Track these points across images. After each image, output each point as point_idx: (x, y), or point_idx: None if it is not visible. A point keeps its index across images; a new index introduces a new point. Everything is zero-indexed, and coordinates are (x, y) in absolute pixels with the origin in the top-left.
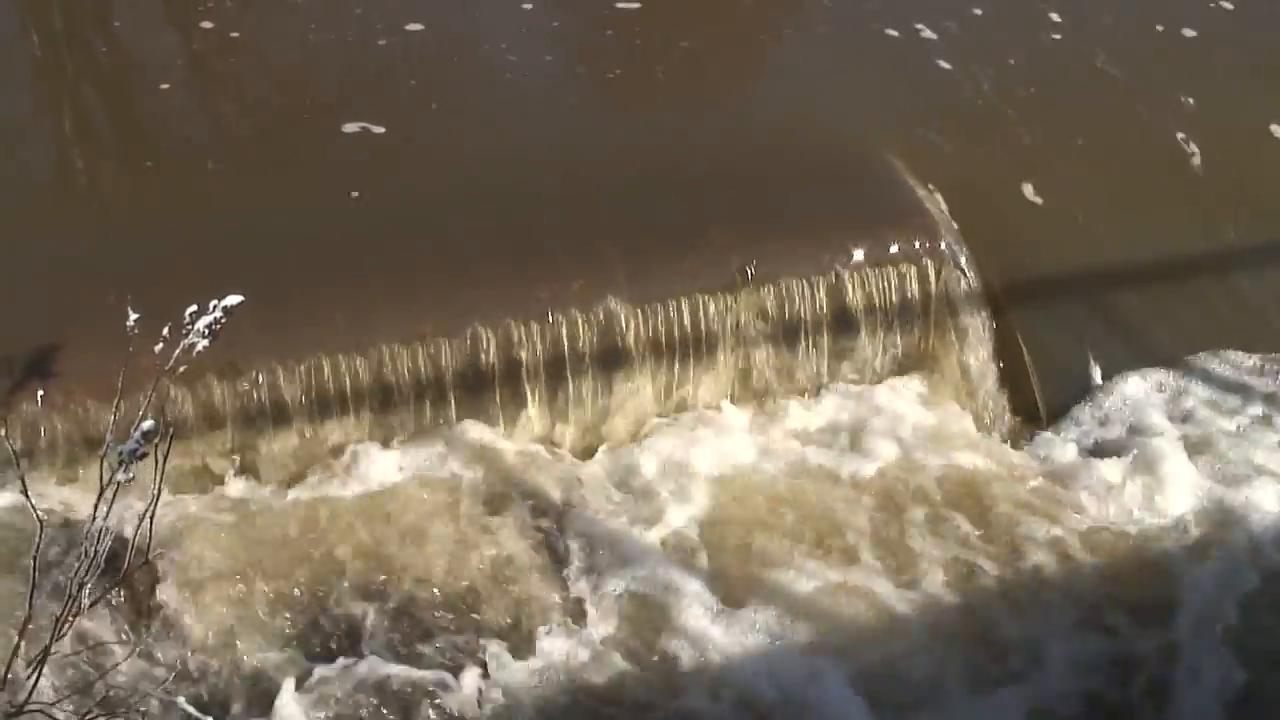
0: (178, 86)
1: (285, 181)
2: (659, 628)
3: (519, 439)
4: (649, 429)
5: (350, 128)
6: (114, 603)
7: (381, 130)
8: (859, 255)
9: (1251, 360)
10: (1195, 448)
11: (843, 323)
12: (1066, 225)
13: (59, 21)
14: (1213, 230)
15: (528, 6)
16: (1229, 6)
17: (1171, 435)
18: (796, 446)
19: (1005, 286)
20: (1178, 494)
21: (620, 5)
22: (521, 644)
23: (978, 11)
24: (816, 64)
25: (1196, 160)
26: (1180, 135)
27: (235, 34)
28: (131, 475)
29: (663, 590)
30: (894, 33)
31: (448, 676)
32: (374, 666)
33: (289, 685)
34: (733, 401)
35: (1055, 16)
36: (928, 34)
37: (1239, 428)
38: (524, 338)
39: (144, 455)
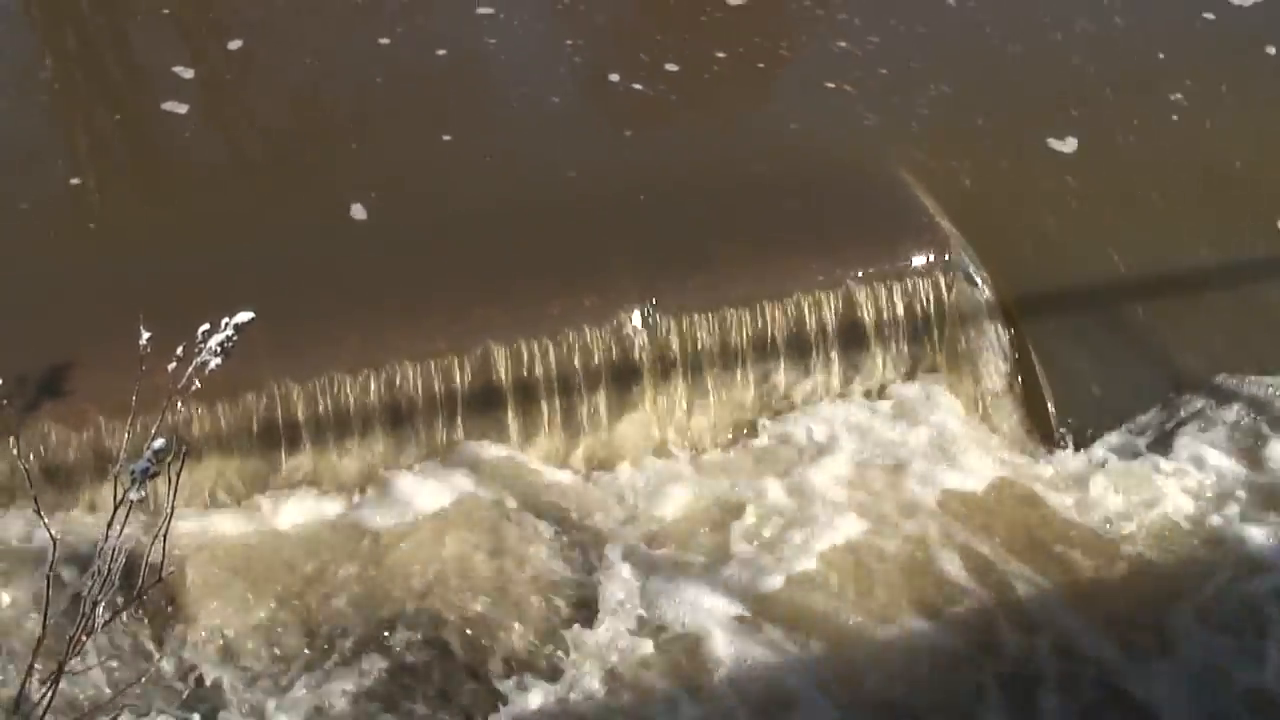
0: (191, 107)
1: (298, 200)
2: (680, 642)
3: (531, 456)
4: (663, 445)
5: (364, 147)
6: (128, 621)
7: (395, 149)
8: (870, 269)
9: (1271, 380)
10: (1207, 468)
11: (854, 337)
12: (1081, 238)
13: (73, 41)
14: (1236, 244)
15: (538, 26)
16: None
17: (1184, 455)
18: (807, 458)
19: (1019, 300)
20: (1184, 513)
21: (632, 24)
22: (538, 664)
23: (990, 27)
24: (828, 79)
25: (1220, 172)
26: (1203, 146)
27: (250, 55)
28: (143, 494)
29: (679, 604)
30: (905, 47)
31: (462, 696)
32: (387, 689)
33: (302, 705)
34: (746, 417)
35: (1075, 28)
36: (938, 48)
37: (1251, 450)
38: (536, 355)
39: (156, 474)
